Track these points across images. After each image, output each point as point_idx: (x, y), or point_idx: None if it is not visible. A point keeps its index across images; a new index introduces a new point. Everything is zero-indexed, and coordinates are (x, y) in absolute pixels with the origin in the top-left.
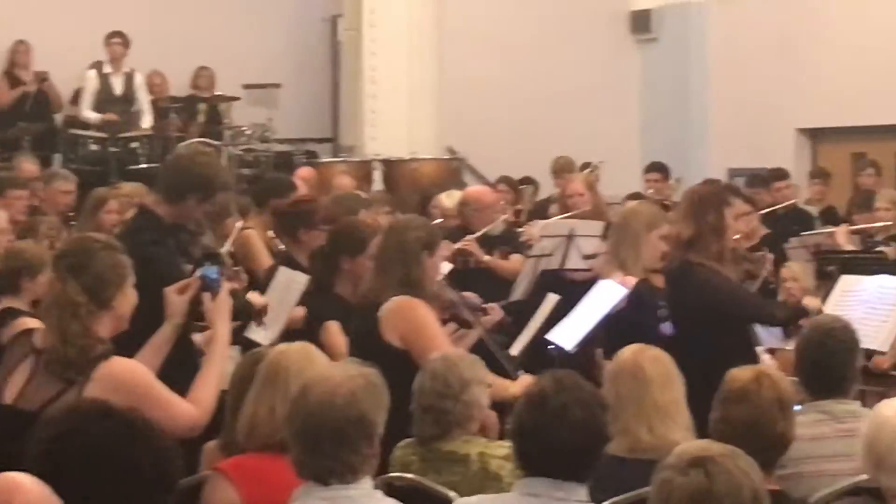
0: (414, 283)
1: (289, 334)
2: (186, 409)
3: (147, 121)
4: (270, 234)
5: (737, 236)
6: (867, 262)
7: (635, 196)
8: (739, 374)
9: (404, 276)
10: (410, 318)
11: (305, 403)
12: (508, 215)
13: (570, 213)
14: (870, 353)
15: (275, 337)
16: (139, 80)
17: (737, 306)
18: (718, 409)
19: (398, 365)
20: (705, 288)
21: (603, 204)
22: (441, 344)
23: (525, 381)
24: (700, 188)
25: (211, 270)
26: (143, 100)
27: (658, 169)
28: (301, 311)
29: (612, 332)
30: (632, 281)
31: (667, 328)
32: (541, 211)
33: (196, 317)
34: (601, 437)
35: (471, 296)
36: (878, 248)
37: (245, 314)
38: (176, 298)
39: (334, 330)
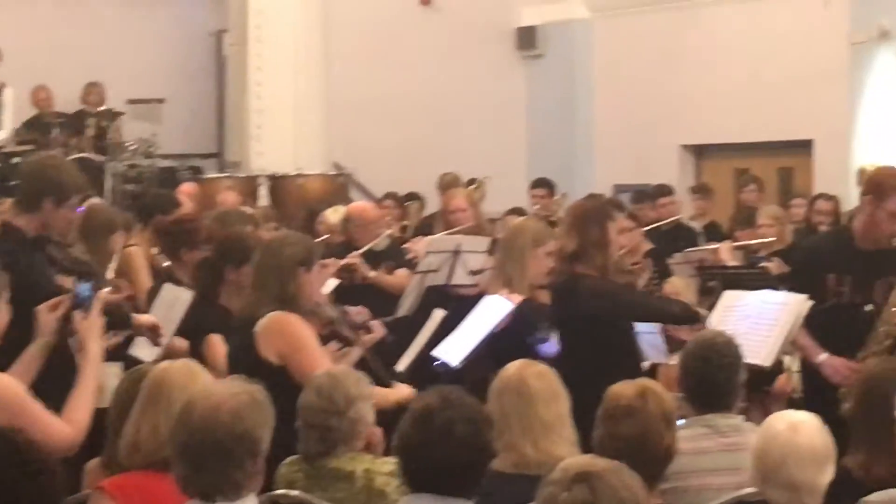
0: (290, 299)
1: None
2: (60, 428)
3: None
4: (155, 251)
5: (621, 251)
6: (750, 277)
7: (516, 211)
8: (623, 390)
9: (280, 291)
10: (287, 333)
11: (189, 420)
12: (394, 231)
13: (452, 229)
14: (772, 373)
15: (159, 354)
16: (7, 94)
17: (630, 306)
18: (603, 426)
19: (276, 381)
20: (595, 294)
21: (485, 220)
22: (318, 359)
23: (403, 389)
24: (583, 203)
25: (83, 287)
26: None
27: (543, 185)
28: (184, 344)
29: (496, 349)
30: (517, 298)
31: (546, 348)
32: (427, 227)
33: (68, 333)
34: (486, 452)
35: (359, 310)
36: (760, 264)
37: (125, 326)
38: (47, 316)
39: (216, 342)
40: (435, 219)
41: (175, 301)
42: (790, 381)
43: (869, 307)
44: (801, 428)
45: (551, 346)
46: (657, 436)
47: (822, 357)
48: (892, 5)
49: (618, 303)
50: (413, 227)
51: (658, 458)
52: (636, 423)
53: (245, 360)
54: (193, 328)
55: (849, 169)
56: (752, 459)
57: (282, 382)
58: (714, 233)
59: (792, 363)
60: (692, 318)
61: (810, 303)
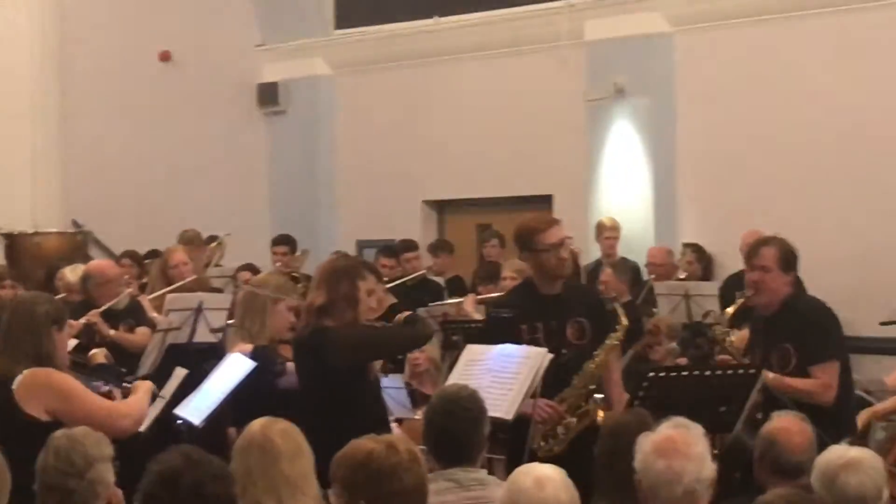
0: (45, 357)
1: None
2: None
3: None
4: None
5: (370, 315)
6: (492, 331)
7: (249, 268)
8: (363, 445)
9: (35, 351)
10: (53, 386)
11: None
12: (133, 289)
13: (174, 286)
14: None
15: None
16: None
17: (382, 342)
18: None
19: (43, 438)
20: (344, 342)
21: (205, 275)
22: (94, 400)
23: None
24: (335, 259)
25: None
26: None
27: (285, 242)
28: None
29: (238, 400)
30: (249, 347)
31: (283, 382)
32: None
33: None
34: None
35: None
36: (504, 316)
37: None
38: None
39: None
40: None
41: None
42: None
43: (564, 351)
44: (546, 483)
45: (290, 378)
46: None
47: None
48: (626, 64)
49: (369, 344)
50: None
51: None
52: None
53: (4, 422)
54: None
55: (588, 223)
56: None
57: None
58: (457, 287)
59: None
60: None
61: (550, 356)
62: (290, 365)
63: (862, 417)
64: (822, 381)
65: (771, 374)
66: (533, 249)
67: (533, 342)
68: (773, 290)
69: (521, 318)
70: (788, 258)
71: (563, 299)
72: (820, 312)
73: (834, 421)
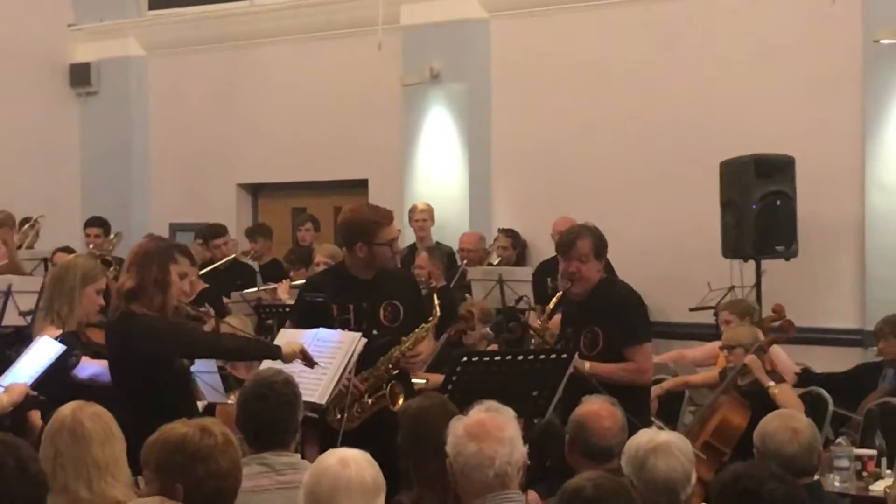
0: None
1: None
2: None
3: None
4: None
5: (184, 298)
6: (306, 315)
7: (65, 250)
8: (176, 429)
9: None
10: None
11: None
12: None
13: None
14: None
15: None
16: None
17: (185, 341)
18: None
19: None
20: (147, 334)
21: (18, 258)
22: None
23: None
24: (147, 242)
25: None
26: None
27: (98, 224)
28: None
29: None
30: (56, 332)
31: (79, 371)
32: None
33: None
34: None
35: None
36: (319, 300)
37: None
38: None
39: None
40: None
41: None
42: None
43: (375, 332)
44: (350, 462)
45: (83, 369)
46: None
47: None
48: (442, 48)
49: (172, 339)
50: None
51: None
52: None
53: None
54: None
55: (403, 207)
56: (303, 495)
57: None
58: (272, 271)
59: None
60: (254, 354)
61: (364, 340)
62: (86, 358)
63: (668, 384)
64: (637, 365)
65: (588, 364)
66: (371, 242)
67: (343, 324)
68: (588, 279)
69: (333, 299)
70: (600, 246)
71: (375, 282)
72: (629, 297)
73: (643, 402)
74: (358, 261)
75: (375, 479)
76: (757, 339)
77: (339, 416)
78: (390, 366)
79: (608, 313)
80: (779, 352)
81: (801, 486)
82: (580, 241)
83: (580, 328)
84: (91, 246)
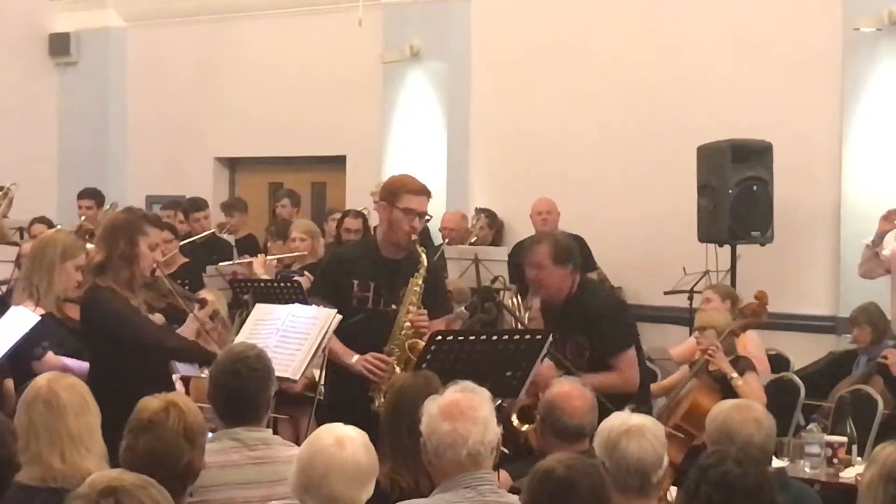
0: None
1: None
2: None
3: None
4: None
5: (154, 265)
6: (281, 290)
7: (43, 220)
8: (149, 404)
9: None
10: None
11: None
12: None
13: None
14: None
15: None
16: None
17: (134, 333)
18: (126, 438)
19: None
20: (108, 312)
21: (5, 227)
22: None
23: None
24: (115, 215)
25: None
26: None
27: (91, 195)
28: None
29: (20, 356)
30: (40, 310)
31: (41, 367)
32: None
33: None
34: (10, 465)
35: None
36: (293, 278)
37: None
38: None
39: None
40: None
41: None
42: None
43: (393, 307)
44: (347, 443)
45: (43, 364)
46: (176, 452)
47: (354, 358)
48: (422, 26)
49: (124, 326)
50: None
51: (177, 475)
52: (154, 437)
53: None
54: None
55: (379, 185)
56: (295, 469)
57: None
58: (248, 246)
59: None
60: (194, 358)
61: (339, 317)
62: (51, 354)
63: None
64: (624, 375)
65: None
66: (392, 204)
67: (361, 301)
68: (552, 285)
69: (355, 274)
70: (560, 252)
71: (401, 265)
72: (605, 304)
73: (641, 398)
74: (385, 232)
75: (370, 463)
76: (729, 324)
77: (382, 400)
78: (407, 331)
79: (588, 323)
80: (755, 340)
81: (769, 472)
82: (538, 246)
83: (564, 336)
84: (83, 218)
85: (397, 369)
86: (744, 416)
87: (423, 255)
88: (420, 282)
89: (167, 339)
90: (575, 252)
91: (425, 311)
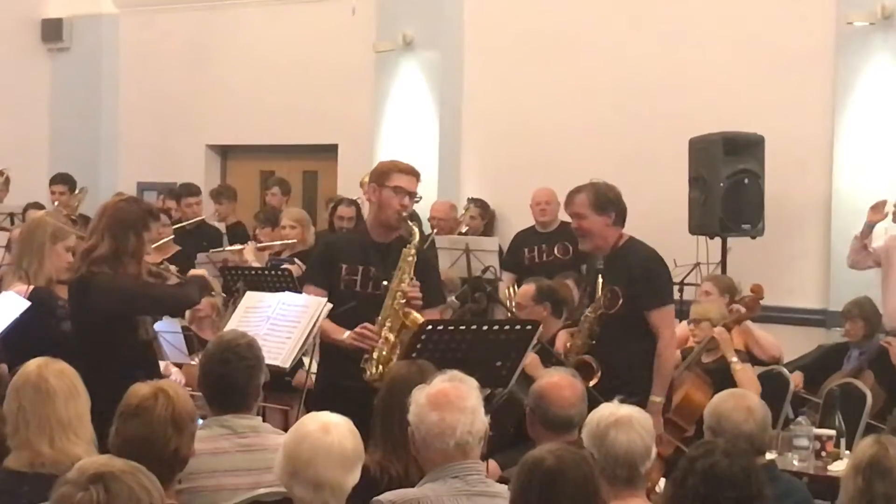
0: None
1: None
2: None
3: None
4: None
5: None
6: (272, 278)
7: (36, 206)
8: (138, 390)
9: None
10: None
11: None
12: None
13: None
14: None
15: None
16: None
17: (149, 295)
18: (115, 424)
19: None
20: (112, 288)
21: None
22: None
23: None
24: (123, 207)
25: None
26: None
27: (63, 181)
28: None
29: (12, 342)
30: (27, 287)
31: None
32: None
33: None
34: None
35: None
36: (283, 266)
37: None
38: None
39: None
40: None
41: None
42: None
43: (385, 283)
44: (332, 429)
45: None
46: (163, 438)
47: (346, 334)
48: (415, 15)
49: (137, 295)
50: None
51: (164, 461)
52: (142, 424)
53: None
54: None
55: None
56: (281, 456)
57: None
58: (238, 234)
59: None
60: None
61: (330, 305)
62: None
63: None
64: (664, 341)
65: (657, 399)
66: (382, 184)
67: (349, 284)
68: (595, 234)
69: (344, 259)
70: (600, 200)
71: (390, 248)
72: (651, 258)
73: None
74: (375, 215)
75: (355, 448)
76: (724, 317)
77: (371, 372)
78: (399, 301)
79: (630, 275)
80: (760, 332)
81: (757, 465)
82: (578, 195)
83: (604, 286)
84: (56, 203)
85: (390, 336)
86: (736, 403)
87: (416, 229)
88: (413, 251)
89: (188, 291)
90: (616, 201)
91: (419, 284)
